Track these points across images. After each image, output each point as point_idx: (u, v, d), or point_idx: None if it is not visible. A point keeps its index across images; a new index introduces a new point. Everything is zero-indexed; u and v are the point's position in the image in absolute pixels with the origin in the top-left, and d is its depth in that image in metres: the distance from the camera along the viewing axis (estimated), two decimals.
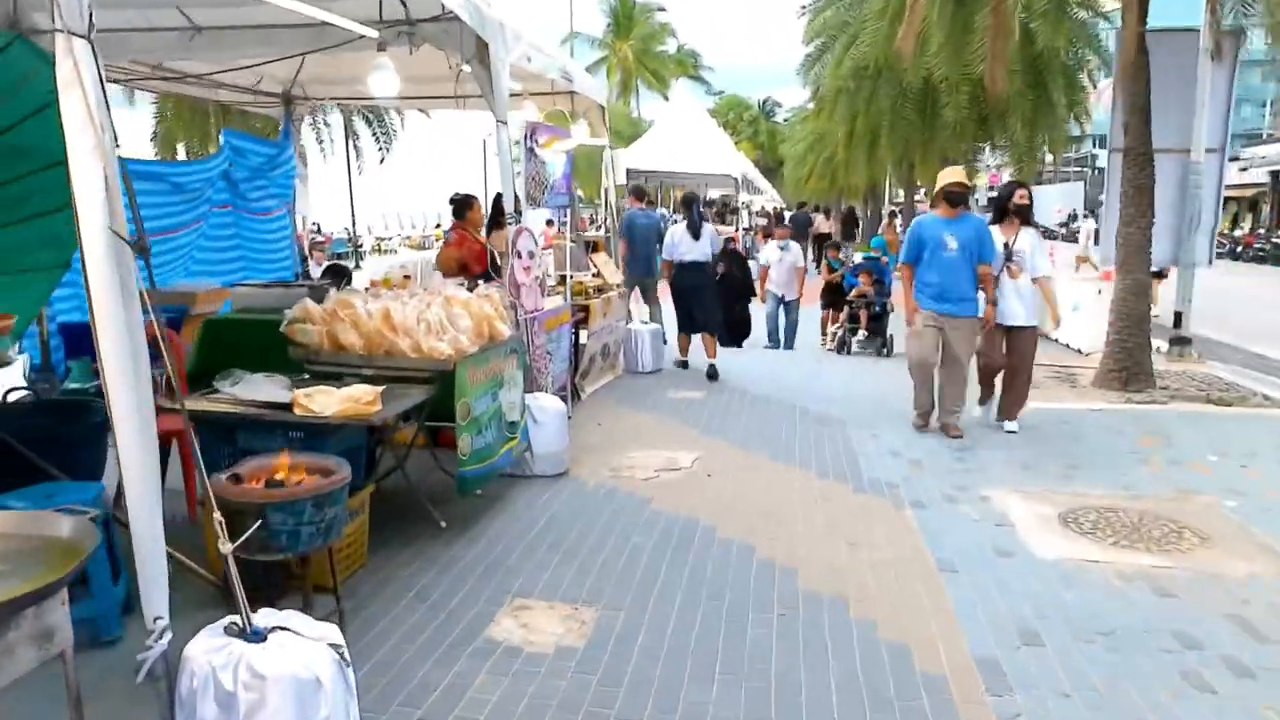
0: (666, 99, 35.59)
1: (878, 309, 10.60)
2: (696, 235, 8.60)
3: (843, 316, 10.90)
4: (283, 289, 6.05)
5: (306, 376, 4.49)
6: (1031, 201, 6.90)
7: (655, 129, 22.32)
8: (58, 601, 2.07)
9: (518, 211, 5.74)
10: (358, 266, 22.41)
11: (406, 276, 6.19)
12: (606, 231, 10.51)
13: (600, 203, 14.57)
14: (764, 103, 59.95)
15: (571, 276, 7.29)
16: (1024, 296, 6.52)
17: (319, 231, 25.76)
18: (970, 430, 6.64)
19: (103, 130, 2.25)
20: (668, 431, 6.74)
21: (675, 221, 9.63)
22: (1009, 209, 6.65)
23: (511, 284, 5.67)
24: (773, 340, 11.36)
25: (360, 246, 29.99)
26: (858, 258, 11.74)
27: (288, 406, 3.77)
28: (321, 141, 25.65)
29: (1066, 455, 6.11)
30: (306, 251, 18.72)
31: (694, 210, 8.84)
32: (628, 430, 6.73)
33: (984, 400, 7.00)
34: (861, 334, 10.59)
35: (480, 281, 5.55)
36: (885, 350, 10.39)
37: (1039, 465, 5.87)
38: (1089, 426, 6.93)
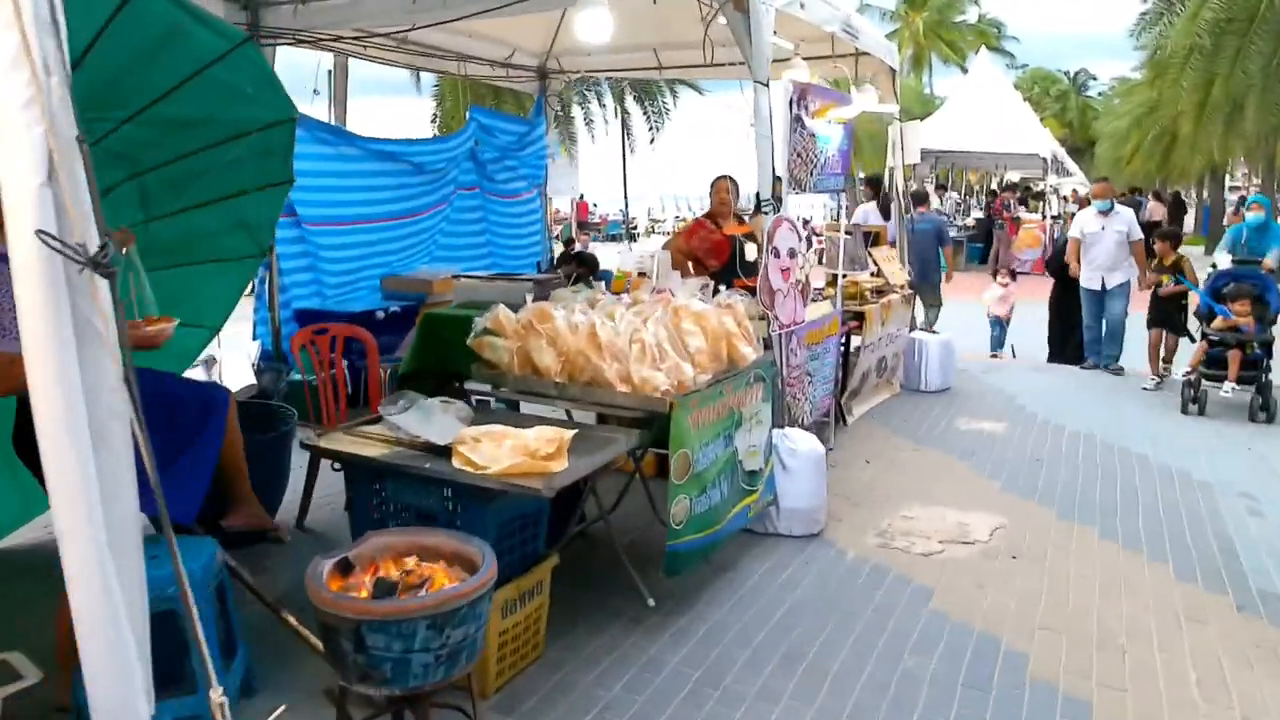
0: (964, 72, 32.35)
1: (1257, 352, 6.83)
2: (886, 215, 8.97)
3: (1195, 352, 7.13)
4: (506, 282, 5.30)
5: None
6: None
7: (949, 105, 20.23)
8: None
9: (776, 197, 4.57)
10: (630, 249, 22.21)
11: (642, 274, 5.17)
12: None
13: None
14: (1075, 75, 53.23)
15: (844, 276, 5.95)
16: None
17: (580, 210, 25.87)
18: None
19: (47, 73, 1.37)
20: (957, 479, 5.27)
21: (866, 200, 10.36)
22: None
23: (764, 290, 4.51)
24: (1091, 350, 8.54)
25: (634, 228, 30.09)
26: (1220, 262, 7.37)
27: (447, 452, 2.88)
28: (590, 121, 25.76)
29: None
30: (574, 233, 18.66)
31: (883, 190, 9.36)
32: (905, 474, 5.35)
33: None
34: (1229, 387, 6.80)
35: (723, 285, 4.43)
36: (1265, 414, 6.69)
37: None
38: None
